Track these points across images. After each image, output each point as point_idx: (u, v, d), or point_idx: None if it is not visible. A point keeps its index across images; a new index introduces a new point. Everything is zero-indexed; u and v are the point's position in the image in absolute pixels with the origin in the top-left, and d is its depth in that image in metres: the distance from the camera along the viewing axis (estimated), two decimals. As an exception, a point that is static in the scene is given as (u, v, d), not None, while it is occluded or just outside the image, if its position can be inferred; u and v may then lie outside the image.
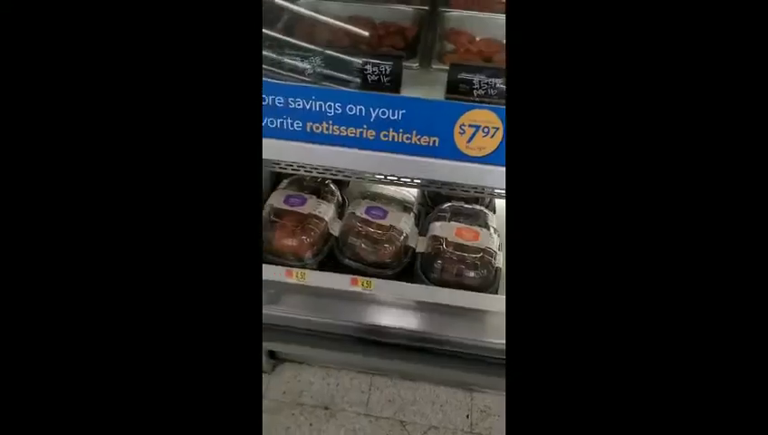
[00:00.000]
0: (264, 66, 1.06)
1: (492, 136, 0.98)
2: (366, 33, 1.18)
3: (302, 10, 1.23)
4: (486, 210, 1.35)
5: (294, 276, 1.21)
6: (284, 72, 1.06)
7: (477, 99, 0.99)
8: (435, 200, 1.45)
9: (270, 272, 1.21)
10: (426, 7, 1.29)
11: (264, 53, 1.06)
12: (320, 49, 1.04)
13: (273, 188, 1.39)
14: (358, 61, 1.02)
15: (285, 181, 1.40)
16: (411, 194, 1.43)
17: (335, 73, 1.05)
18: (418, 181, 1.05)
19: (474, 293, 1.18)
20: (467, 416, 1.53)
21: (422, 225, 1.36)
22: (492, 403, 1.57)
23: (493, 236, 1.26)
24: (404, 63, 1.05)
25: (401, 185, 1.08)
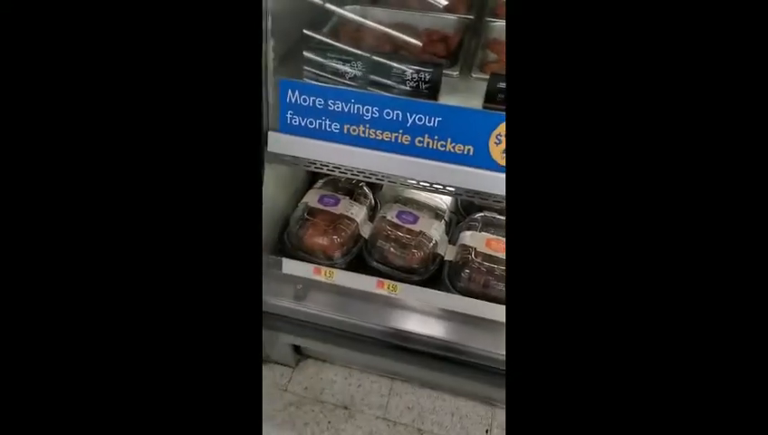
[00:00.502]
0: (306, 68, 1.10)
1: (528, 148, 0.97)
2: (409, 40, 1.19)
3: (349, 14, 1.26)
4: (519, 223, 1.33)
5: (322, 274, 1.23)
6: (326, 75, 1.08)
7: (515, 110, 0.99)
8: (467, 210, 1.44)
9: (299, 268, 1.24)
10: (470, 16, 1.29)
11: (308, 54, 1.09)
12: (361, 53, 1.06)
13: (309, 187, 1.43)
14: (398, 67, 1.03)
15: (321, 181, 1.43)
16: (444, 202, 1.43)
17: (375, 78, 1.07)
18: (452, 189, 1.05)
19: (499, 305, 1.17)
20: (487, 431, 1.51)
21: (453, 233, 1.36)
22: (513, 421, 1.54)
23: (524, 249, 1.24)
24: (444, 71, 1.05)
25: (433, 191, 1.08)
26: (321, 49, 1.09)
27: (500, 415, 1.54)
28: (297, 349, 1.58)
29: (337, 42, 1.14)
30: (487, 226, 1.30)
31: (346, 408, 1.53)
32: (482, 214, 1.35)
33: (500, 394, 1.45)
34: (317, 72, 1.09)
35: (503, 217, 1.33)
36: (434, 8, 1.31)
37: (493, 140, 0.98)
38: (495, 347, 1.21)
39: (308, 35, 1.16)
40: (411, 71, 1.01)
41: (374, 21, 1.26)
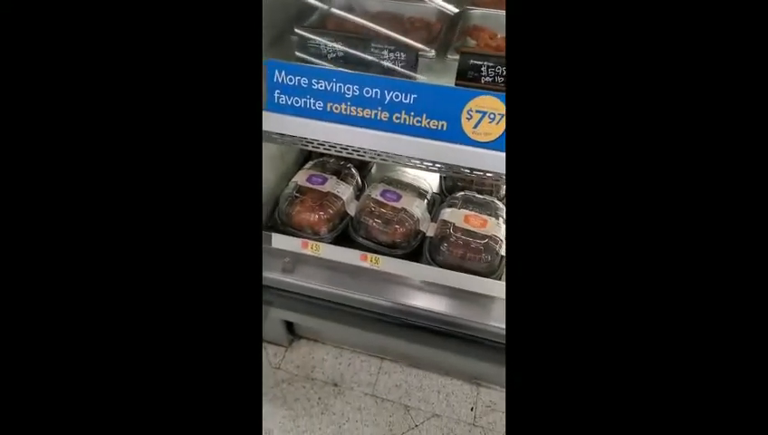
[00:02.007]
0: (298, 53, 1.17)
1: (497, 123, 1.03)
2: (387, 32, 1.25)
3: (334, 10, 1.33)
4: (499, 202, 1.38)
5: (309, 248, 1.29)
6: (310, 57, 1.16)
7: (485, 86, 1.05)
8: (451, 190, 1.50)
9: (287, 242, 1.31)
10: (452, 5, 1.35)
11: (295, 39, 1.16)
12: (344, 34, 1.13)
13: (299, 169, 1.50)
14: (375, 48, 1.10)
15: (310, 163, 1.50)
16: (428, 182, 1.49)
17: (353, 62, 1.13)
18: (429, 163, 1.11)
19: (475, 277, 1.22)
20: (472, 408, 1.55)
21: (435, 212, 1.42)
22: (498, 399, 1.57)
23: (501, 225, 1.29)
24: (421, 53, 1.12)
25: (412, 167, 1.14)
26: (306, 35, 1.16)
27: (484, 394, 1.58)
28: (290, 329, 1.64)
29: (324, 29, 1.21)
30: (467, 203, 1.36)
31: (336, 385, 1.58)
32: (462, 193, 1.40)
33: (485, 369, 1.49)
34: (303, 54, 1.16)
35: (482, 196, 1.39)
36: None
37: (464, 115, 1.03)
38: (480, 317, 1.26)
39: (296, 23, 1.24)
40: (388, 50, 1.08)
41: (361, 9, 1.34)
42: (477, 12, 1.31)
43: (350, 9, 1.35)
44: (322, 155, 1.39)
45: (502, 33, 1.28)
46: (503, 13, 1.31)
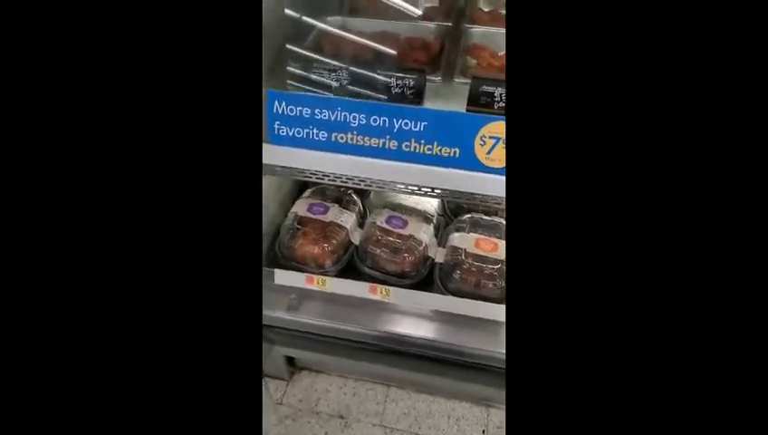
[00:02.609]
0: (291, 82, 1.11)
1: (512, 148, 0.99)
2: (389, 51, 1.21)
3: (329, 28, 1.28)
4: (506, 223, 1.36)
5: (315, 283, 1.23)
6: (311, 88, 1.10)
7: (498, 111, 1.01)
8: (455, 212, 1.47)
9: (291, 278, 1.24)
10: (449, 23, 1.32)
11: (292, 68, 1.10)
12: (345, 65, 1.08)
13: (297, 196, 1.43)
14: (382, 74, 1.05)
15: (309, 191, 1.44)
16: (432, 205, 1.45)
17: (360, 89, 1.08)
18: (439, 191, 1.07)
19: (491, 304, 1.18)
20: (483, 431, 1.52)
21: (441, 236, 1.38)
22: (509, 420, 1.55)
23: (512, 248, 1.27)
24: (427, 77, 1.08)
25: (422, 195, 1.10)
26: (306, 60, 1.10)
27: (495, 415, 1.55)
28: (291, 361, 1.57)
29: (320, 53, 1.16)
30: (475, 226, 1.32)
31: (342, 417, 1.52)
32: (469, 215, 1.37)
33: (495, 393, 1.47)
34: (301, 85, 1.10)
35: (489, 218, 1.36)
36: (412, 17, 1.34)
37: (478, 141, 1.00)
38: (489, 345, 1.23)
39: (291, 49, 1.18)
40: (395, 78, 1.04)
41: (355, 31, 1.28)
42: (478, 30, 1.29)
43: (344, 29, 1.30)
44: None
45: (502, 51, 1.25)
46: (502, 31, 1.28)
